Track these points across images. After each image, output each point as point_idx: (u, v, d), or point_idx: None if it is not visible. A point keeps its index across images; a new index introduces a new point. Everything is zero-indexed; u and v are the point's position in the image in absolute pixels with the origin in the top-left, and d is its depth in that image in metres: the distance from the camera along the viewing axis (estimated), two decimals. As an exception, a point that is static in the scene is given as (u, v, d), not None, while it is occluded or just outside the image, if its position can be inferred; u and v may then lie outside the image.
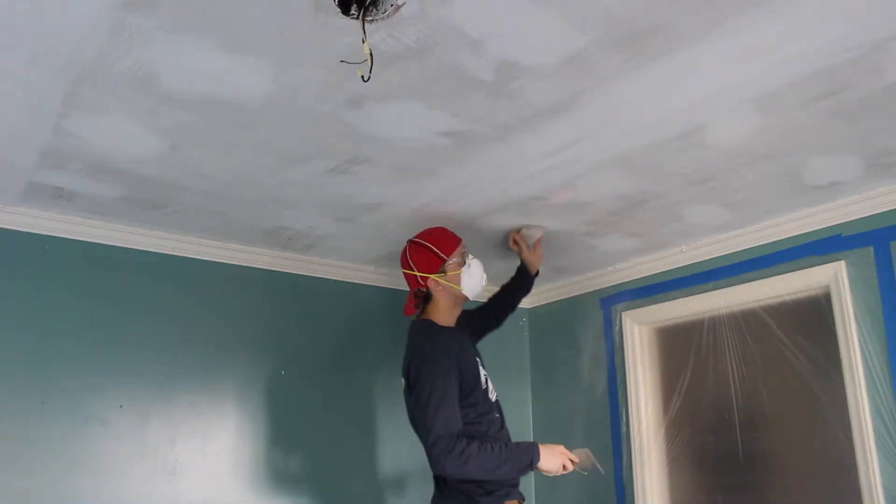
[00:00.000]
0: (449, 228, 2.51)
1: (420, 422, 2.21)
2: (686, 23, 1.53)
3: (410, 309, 2.47)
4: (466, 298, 2.45)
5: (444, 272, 2.38)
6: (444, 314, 2.42)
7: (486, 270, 2.51)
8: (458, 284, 2.39)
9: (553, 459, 2.23)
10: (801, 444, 2.64)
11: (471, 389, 2.28)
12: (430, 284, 2.39)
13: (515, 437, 2.80)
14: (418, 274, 2.38)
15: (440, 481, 2.31)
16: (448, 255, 2.39)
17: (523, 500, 2.36)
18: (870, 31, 1.56)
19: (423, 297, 2.45)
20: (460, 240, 2.46)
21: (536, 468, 2.21)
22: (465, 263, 2.41)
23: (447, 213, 2.60)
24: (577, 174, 2.29)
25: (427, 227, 2.56)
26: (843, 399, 2.44)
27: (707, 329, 2.91)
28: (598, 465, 2.34)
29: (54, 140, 2.03)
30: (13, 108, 1.86)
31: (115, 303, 2.64)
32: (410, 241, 2.46)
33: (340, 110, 1.88)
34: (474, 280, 2.42)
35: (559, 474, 2.26)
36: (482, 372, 2.37)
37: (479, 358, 2.44)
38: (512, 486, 2.31)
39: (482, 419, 2.29)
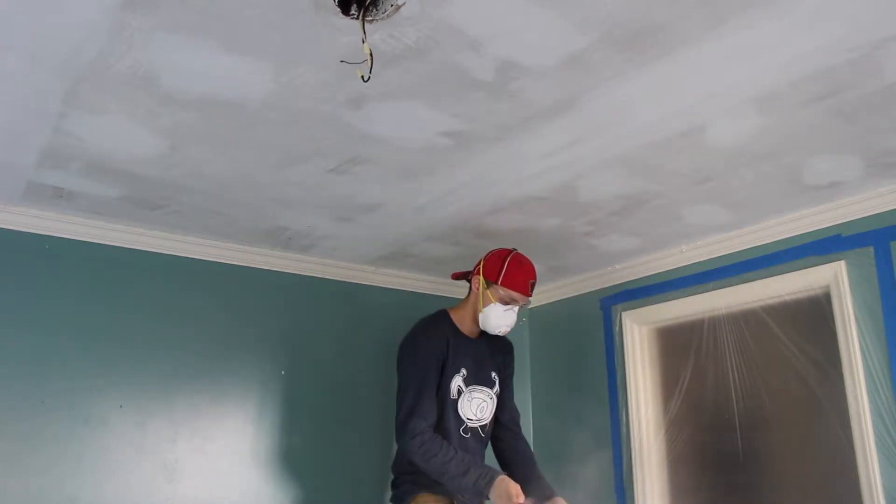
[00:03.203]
0: (531, 284, 2.50)
1: (398, 399, 2.42)
2: (686, 23, 1.53)
3: (456, 274, 2.66)
4: (479, 324, 2.52)
5: (487, 286, 2.46)
6: (463, 315, 2.57)
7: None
8: (482, 301, 2.48)
9: (499, 500, 2.21)
10: (801, 445, 2.63)
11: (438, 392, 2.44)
12: (474, 281, 2.53)
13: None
14: (480, 267, 2.51)
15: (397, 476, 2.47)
16: (502, 285, 2.43)
17: None
18: (870, 31, 1.56)
19: (466, 280, 2.60)
20: (525, 291, 2.46)
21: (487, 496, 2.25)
22: (505, 300, 2.44)
23: (447, 213, 2.61)
24: (577, 174, 2.29)
25: (426, 226, 2.72)
26: (843, 399, 2.43)
27: (707, 329, 2.91)
28: None
29: (54, 140, 2.03)
30: (13, 108, 1.86)
31: (115, 303, 2.64)
32: (510, 250, 2.51)
33: (340, 110, 1.88)
34: (494, 313, 2.46)
35: None
36: (456, 384, 2.48)
37: (476, 372, 2.54)
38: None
39: (438, 424, 2.40)
